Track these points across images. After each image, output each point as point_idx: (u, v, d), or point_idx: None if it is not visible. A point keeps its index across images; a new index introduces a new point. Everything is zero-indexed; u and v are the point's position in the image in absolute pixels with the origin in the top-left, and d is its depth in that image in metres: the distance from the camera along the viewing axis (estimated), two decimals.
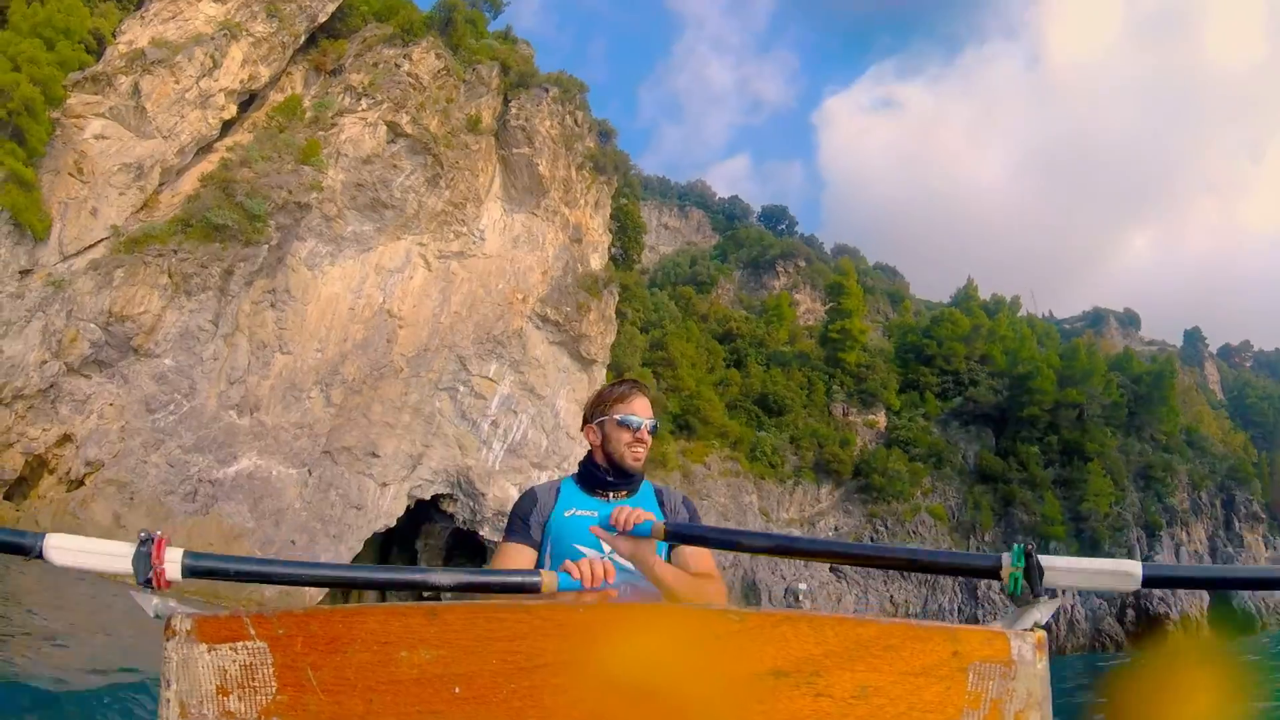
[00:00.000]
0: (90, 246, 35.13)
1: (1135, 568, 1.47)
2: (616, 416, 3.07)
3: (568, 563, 2.10)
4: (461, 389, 40.50)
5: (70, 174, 35.88)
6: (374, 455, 37.86)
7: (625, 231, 50.85)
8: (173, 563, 1.60)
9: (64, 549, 1.60)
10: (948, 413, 63.44)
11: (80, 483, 32.61)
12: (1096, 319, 68.50)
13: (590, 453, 3.17)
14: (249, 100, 43.06)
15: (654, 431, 3.12)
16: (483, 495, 41.04)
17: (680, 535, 2.46)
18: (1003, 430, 62.37)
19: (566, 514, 2.91)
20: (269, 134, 39.50)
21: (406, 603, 1.17)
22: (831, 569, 54.49)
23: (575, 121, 48.74)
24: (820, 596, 52.73)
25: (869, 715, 1.12)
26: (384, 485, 38.11)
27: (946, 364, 64.26)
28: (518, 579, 1.82)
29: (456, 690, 1.10)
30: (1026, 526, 57.27)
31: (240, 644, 1.18)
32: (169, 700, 1.21)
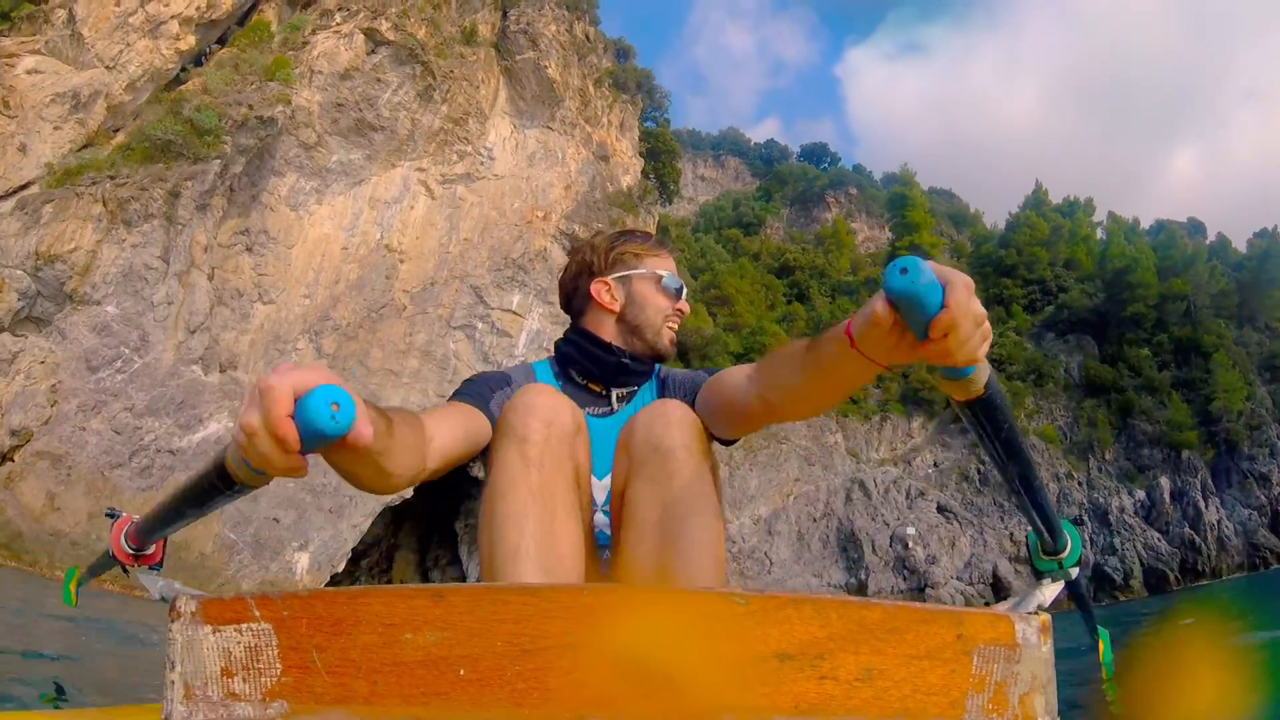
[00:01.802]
0: (21, 188, 27.70)
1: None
2: (660, 272, 2.05)
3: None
4: (480, 326, 31.87)
5: None
6: None
7: (659, 159, 42.06)
8: (123, 538, 1.51)
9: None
10: (1039, 325, 53.68)
11: (7, 458, 24.75)
12: (1158, 231, 58.00)
13: (581, 325, 2.10)
14: (221, 40, 35.44)
15: None
16: None
17: (994, 405, 1.35)
18: (1104, 336, 52.48)
19: None
20: (230, 59, 31.80)
21: (411, 585, 1.09)
22: (940, 510, 44.19)
23: (587, 37, 40.40)
24: (931, 541, 42.54)
25: (873, 698, 1.04)
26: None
27: (1029, 272, 54.83)
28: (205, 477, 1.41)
29: (461, 672, 1.03)
30: (1151, 438, 48.31)
31: (245, 626, 1.10)
32: (173, 682, 1.13)
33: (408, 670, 1.06)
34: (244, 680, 1.11)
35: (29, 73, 29.42)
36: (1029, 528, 1.51)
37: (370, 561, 37.57)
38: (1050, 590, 1.40)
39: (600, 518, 1.91)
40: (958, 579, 44.01)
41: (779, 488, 41.26)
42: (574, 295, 2.22)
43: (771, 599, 1.05)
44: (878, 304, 1.13)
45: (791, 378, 1.48)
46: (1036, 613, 1.19)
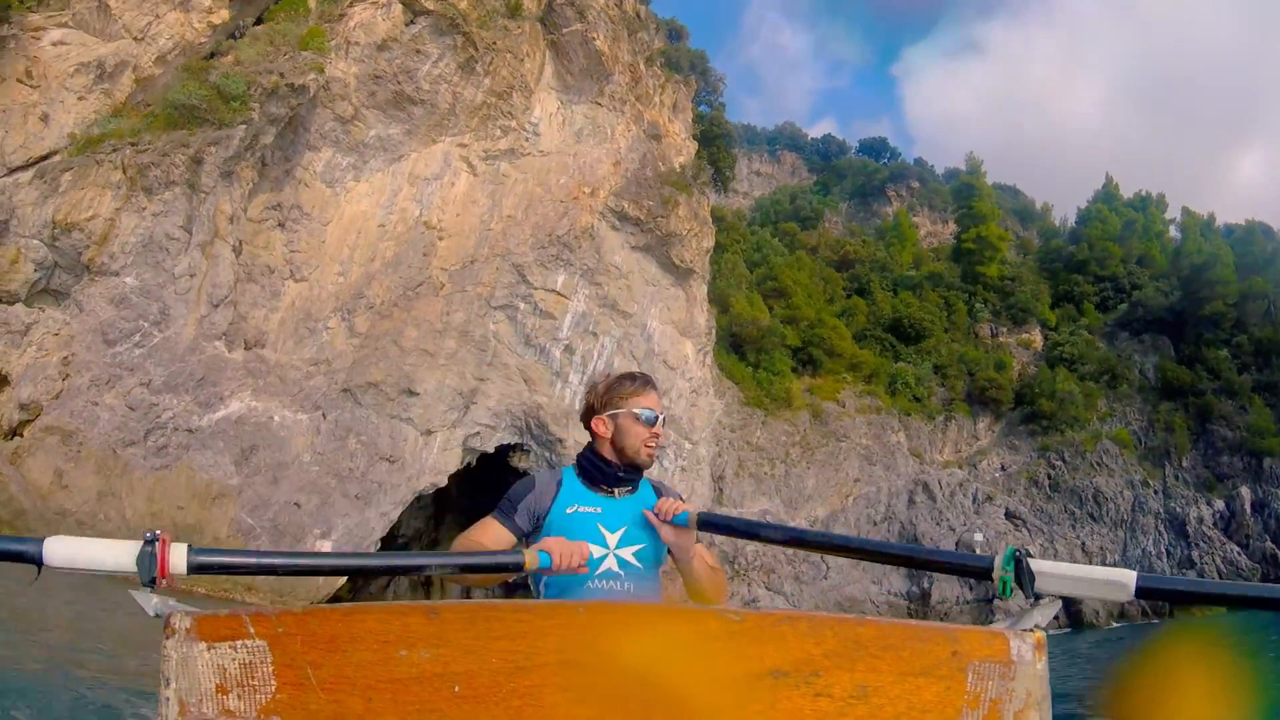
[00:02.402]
0: (42, 158, 25.42)
1: (1129, 577, 1.37)
2: (636, 410, 2.64)
3: (547, 541, 2.15)
4: (522, 306, 28.85)
5: (19, 80, 26.45)
6: (410, 393, 26.42)
7: (713, 144, 38.81)
8: (177, 560, 1.44)
9: (63, 553, 1.42)
10: (1112, 324, 49.37)
11: (16, 433, 22.30)
12: (1229, 233, 53.58)
13: (594, 445, 2.73)
14: (259, 21, 33.02)
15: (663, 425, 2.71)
16: (560, 443, 28.96)
17: (711, 524, 2.50)
18: (1181, 336, 48.19)
19: (569, 510, 2.55)
20: (264, 32, 29.34)
21: (406, 601, 1.41)
22: (1008, 516, 40.12)
23: (638, 15, 37.38)
24: (998, 547, 37.75)
25: (868, 715, 1.03)
26: (427, 433, 26.57)
27: (1101, 269, 50.46)
28: (503, 559, 1.95)
29: (456, 689, 1.02)
30: (1231, 444, 44.43)
31: (240, 642, 1.09)
32: (168, 699, 1.11)
33: (402, 687, 1.02)
34: (239, 697, 1.06)
35: (54, 44, 27.28)
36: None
37: None
38: (1046, 609, 1.32)
39: (611, 558, 2.50)
40: None
41: (838, 488, 37.54)
42: (586, 425, 2.75)
43: (767, 616, 1.02)
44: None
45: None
46: (1032, 630, 1.15)
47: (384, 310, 27.37)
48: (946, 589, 37.38)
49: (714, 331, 35.46)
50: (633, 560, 2.48)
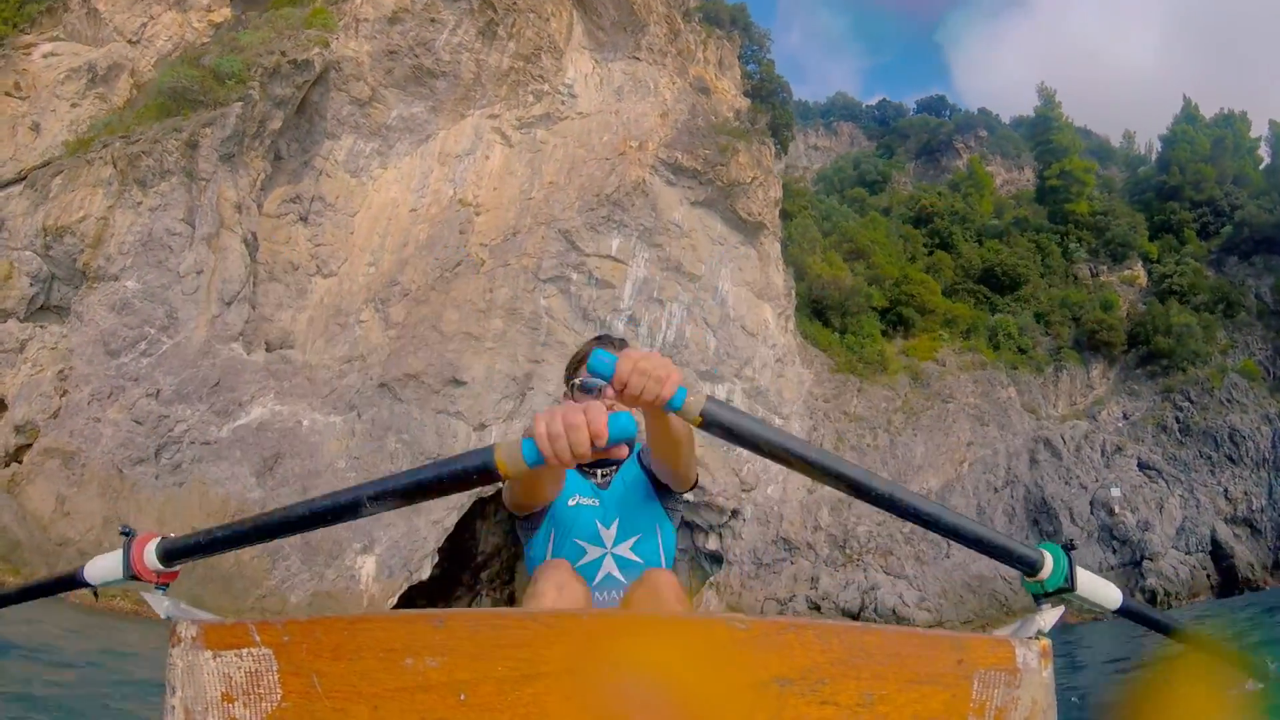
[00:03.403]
0: (34, 169, 21.43)
1: (1116, 593, 1.33)
2: (576, 380, 2.21)
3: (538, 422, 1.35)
4: (575, 277, 23.58)
5: (7, 94, 22.69)
6: (456, 383, 21.32)
7: (767, 101, 33.15)
8: (149, 552, 1.32)
9: (97, 572, 1.39)
10: (1218, 250, 41.98)
11: (14, 459, 18.01)
12: None
13: None
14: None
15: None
16: (637, 425, 23.20)
17: (722, 425, 1.36)
18: None
19: (570, 503, 2.20)
20: (266, 19, 25.09)
21: (413, 610, 1.02)
22: (1141, 467, 33.06)
23: None
24: (1137, 502, 31.26)
25: None
26: (480, 427, 21.39)
27: (1196, 192, 43.13)
28: (470, 461, 1.24)
29: (462, 697, 0.96)
30: None
31: (245, 651, 1.03)
32: (174, 707, 1.07)
33: (408, 695, 0.97)
34: (244, 705, 1.02)
35: (45, 56, 23.53)
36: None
37: (491, 573, 29.50)
38: (1051, 615, 1.23)
39: (609, 560, 2.13)
40: (1174, 548, 32.41)
41: (949, 454, 31.04)
42: None
43: (773, 624, 0.97)
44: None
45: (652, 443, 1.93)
46: (1037, 637, 1.10)
47: (420, 296, 22.45)
48: (1087, 554, 30.46)
49: (794, 293, 29.58)
50: (632, 556, 2.14)
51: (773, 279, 28.28)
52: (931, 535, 27.68)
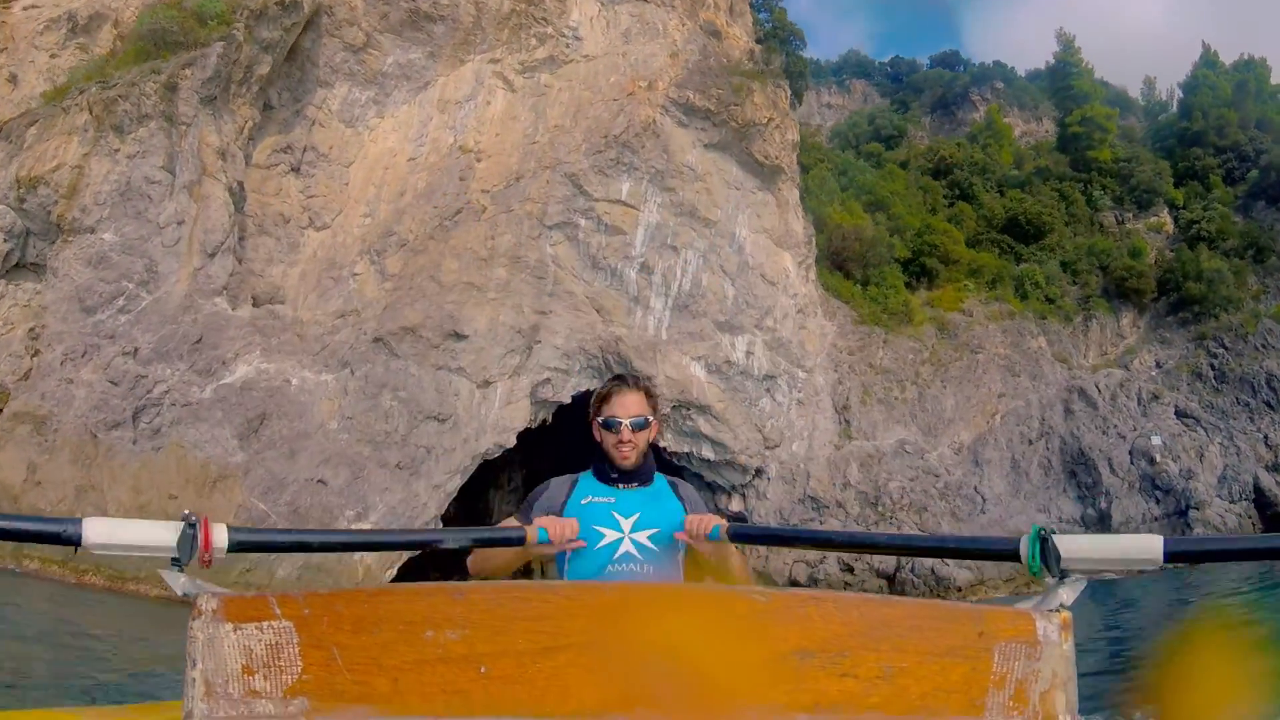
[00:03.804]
0: (9, 121, 19.61)
1: (1155, 542, 1.23)
2: (601, 419, 2.41)
3: (540, 519, 2.07)
4: (582, 223, 21.44)
5: None
6: (456, 336, 19.34)
7: (780, 44, 30.50)
8: (219, 538, 1.33)
9: (101, 532, 1.28)
10: (1244, 195, 39.19)
11: None
12: None
13: (600, 456, 2.46)
14: None
15: (642, 427, 2.36)
16: (650, 380, 21.22)
17: (744, 536, 2.17)
18: None
19: (584, 501, 2.34)
20: None
21: (433, 583, 1.01)
22: (1178, 415, 30.76)
23: None
24: (1177, 450, 28.92)
25: (894, 695, 0.96)
26: (485, 384, 19.41)
27: (1220, 138, 40.61)
28: (507, 533, 1.93)
29: (482, 669, 0.95)
30: None
31: (266, 624, 1.02)
32: (194, 680, 1.03)
33: (429, 667, 0.95)
34: (265, 678, 1.00)
35: (25, 9, 21.65)
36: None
37: None
38: (1072, 588, 1.17)
39: (627, 541, 2.25)
40: (1218, 497, 29.93)
41: (980, 406, 28.70)
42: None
43: (794, 596, 0.96)
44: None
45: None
46: (1058, 610, 1.08)
47: (418, 245, 20.45)
48: (1129, 505, 28.12)
49: (814, 242, 27.23)
50: (649, 544, 2.24)
51: (792, 226, 25.95)
52: (965, 490, 25.38)
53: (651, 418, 2.41)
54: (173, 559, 1.28)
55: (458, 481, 18.47)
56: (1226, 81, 43.52)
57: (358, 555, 16.55)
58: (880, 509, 23.32)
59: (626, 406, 2.37)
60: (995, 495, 27.23)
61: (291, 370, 17.81)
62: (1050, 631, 1.03)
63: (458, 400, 18.94)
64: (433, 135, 22.97)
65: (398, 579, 18.81)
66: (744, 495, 24.41)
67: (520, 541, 1.91)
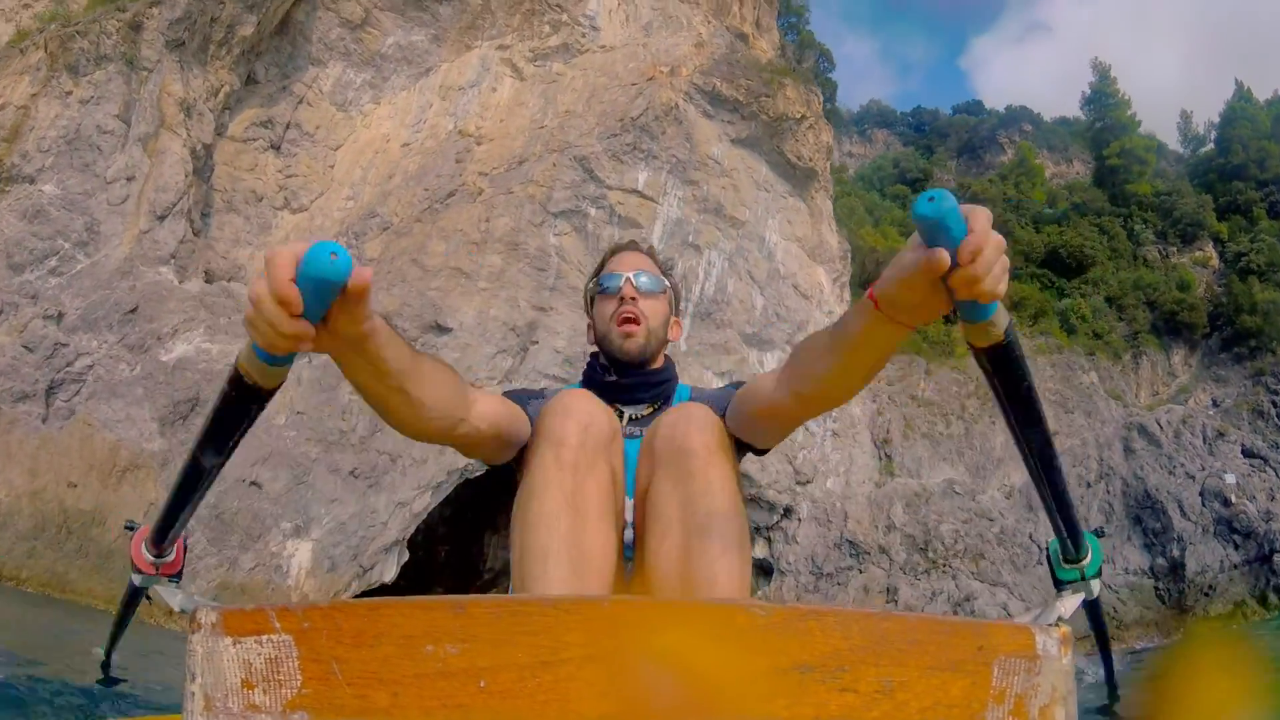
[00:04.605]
0: None
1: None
2: (599, 282, 1.62)
3: None
4: (593, 212, 17.86)
5: None
6: (439, 329, 15.63)
7: (808, 60, 27.41)
8: (143, 545, 1.19)
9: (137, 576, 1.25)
10: None
11: None
12: None
13: (594, 357, 1.68)
14: None
15: (653, 290, 1.54)
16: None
17: (1014, 359, 1.00)
18: None
19: None
20: None
21: (432, 597, 0.93)
22: (1245, 454, 26.19)
23: None
24: (1250, 489, 24.19)
25: (894, 710, 0.90)
26: (470, 386, 15.28)
27: (1261, 171, 37.03)
28: (223, 388, 1.00)
29: (482, 684, 0.89)
30: None
31: (265, 637, 0.95)
32: (194, 693, 0.97)
33: (428, 682, 0.89)
34: (264, 692, 0.93)
35: None
36: (1050, 535, 1.23)
37: (500, 592, 23.47)
38: (1071, 602, 1.15)
39: (629, 532, 1.40)
40: None
41: None
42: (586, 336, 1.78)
43: (793, 610, 0.91)
44: (909, 251, 0.93)
45: (820, 364, 1.18)
46: (1057, 624, 1.03)
47: (402, 228, 16.92)
48: (1205, 552, 23.33)
49: (849, 258, 23.47)
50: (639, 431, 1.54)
51: (826, 238, 22.26)
52: (1020, 539, 20.90)
53: (668, 285, 1.62)
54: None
55: (427, 501, 14.44)
56: (1265, 115, 40.14)
57: (292, 579, 12.49)
58: (931, 555, 18.85)
59: (629, 261, 1.59)
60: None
61: (237, 353, 14.07)
62: (1050, 646, 0.95)
63: None
64: (431, 121, 19.82)
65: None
66: (769, 539, 20.06)
67: (240, 380, 0.94)
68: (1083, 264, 31.50)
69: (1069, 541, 1.17)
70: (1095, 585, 1.19)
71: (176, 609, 1.16)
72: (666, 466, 1.27)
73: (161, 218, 14.98)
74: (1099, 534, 1.18)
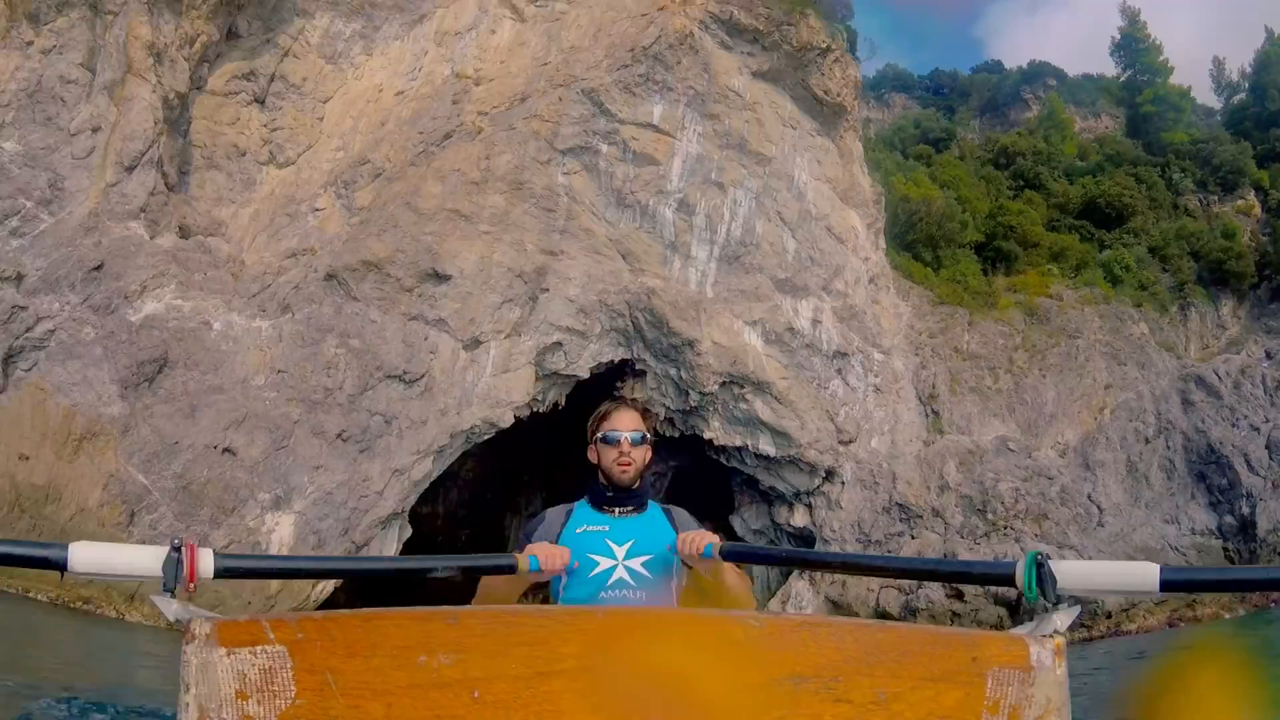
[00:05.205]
0: None
1: (1152, 570, 1.12)
2: (601, 434, 2.19)
3: (531, 546, 1.85)
4: (605, 149, 15.57)
5: None
6: (436, 277, 13.49)
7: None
8: (205, 565, 1.21)
9: (88, 558, 1.18)
10: None
11: None
12: None
13: (597, 473, 2.25)
14: None
15: (640, 442, 2.15)
16: (691, 348, 15.04)
17: (737, 555, 1.93)
18: None
19: (579, 530, 2.11)
20: None
21: (425, 608, 0.92)
22: None
23: None
24: None
25: None
26: (472, 344, 13.34)
27: None
28: (498, 561, 1.68)
29: (476, 694, 0.87)
30: None
31: (259, 648, 0.93)
32: (188, 704, 0.95)
33: (423, 692, 0.87)
34: (258, 703, 0.91)
35: None
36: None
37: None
38: (1067, 615, 1.08)
39: (621, 568, 2.01)
40: None
41: (1086, 400, 21.68)
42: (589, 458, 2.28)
43: (788, 621, 0.92)
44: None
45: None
46: (1051, 635, 1.00)
47: (395, 173, 14.75)
48: (1278, 511, 20.50)
49: (883, 203, 20.89)
50: (642, 570, 2.02)
51: (859, 181, 19.75)
52: (1078, 498, 18.32)
53: (649, 436, 2.20)
54: (164, 585, 1.14)
55: (429, 468, 12.36)
56: None
57: (271, 552, 10.44)
58: (990, 517, 16.38)
59: (625, 422, 2.17)
60: (1113, 504, 20.02)
61: (215, 311, 12.11)
62: (1044, 657, 0.94)
63: (433, 360, 12.94)
64: (427, 69, 17.61)
65: (357, 602, 12.78)
66: (810, 506, 17.74)
67: (512, 569, 1.67)
68: (1122, 214, 28.46)
69: (991, 582, 1.12)
70: (1050, 602, 1.09)
71: (171, 619, 1.08)
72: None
73: (130, 169, 13.00)
74: (1040, 557, 1.10)
